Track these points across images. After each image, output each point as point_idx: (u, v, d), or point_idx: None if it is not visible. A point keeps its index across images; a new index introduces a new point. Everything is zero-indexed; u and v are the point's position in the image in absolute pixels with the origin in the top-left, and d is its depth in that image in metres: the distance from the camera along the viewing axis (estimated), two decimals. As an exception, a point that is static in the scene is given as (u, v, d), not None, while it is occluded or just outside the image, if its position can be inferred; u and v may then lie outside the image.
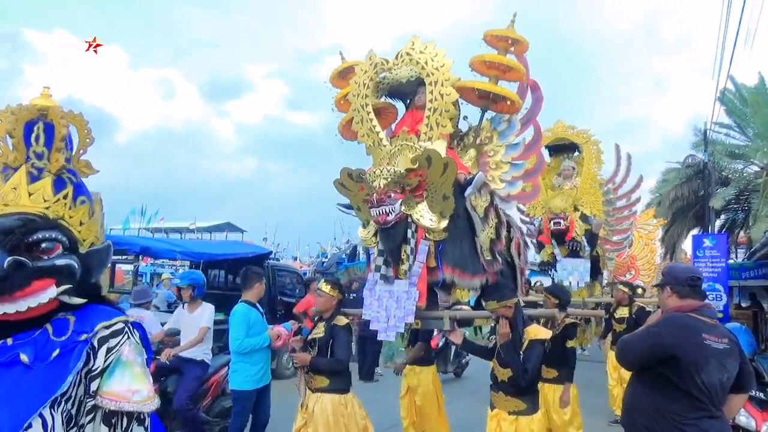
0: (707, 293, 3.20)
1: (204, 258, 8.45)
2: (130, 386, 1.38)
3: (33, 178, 1.44)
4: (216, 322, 7.96)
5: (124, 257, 7.25)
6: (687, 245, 15.87)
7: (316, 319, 4.01)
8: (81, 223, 1.48)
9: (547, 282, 7.98)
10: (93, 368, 1.36)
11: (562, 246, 6.77)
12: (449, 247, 3.53)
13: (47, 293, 1.33)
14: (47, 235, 1.37)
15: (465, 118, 4.19)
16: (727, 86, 14.79)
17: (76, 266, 1.41)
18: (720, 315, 5.71)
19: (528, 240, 5.60)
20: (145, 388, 1.42)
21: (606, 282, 8.71)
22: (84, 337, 1.37)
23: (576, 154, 7.35)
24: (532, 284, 11.26)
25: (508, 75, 3.92)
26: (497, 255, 3.81)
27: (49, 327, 1.37)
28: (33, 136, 1.46)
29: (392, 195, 3.34)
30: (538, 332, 3.37)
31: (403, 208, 3.39)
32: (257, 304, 4.64)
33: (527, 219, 7.36)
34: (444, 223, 3.44)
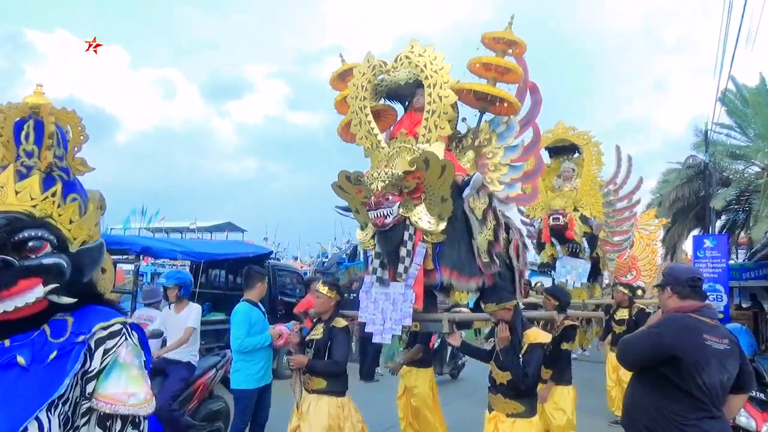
0: (708, 294, 3.19)
1: (205, 258, 8.45)
2: (126, 389, 1.35)
3: (21, 176, 1.41)
4: (217, 322, 8.05)
5: (125, 257, 7.23)
6: (687, 246, 15.84)
7: (315, 320, 4.01)
8: (71, 222, 1.44)
9: (547, 283, 7.97)
10: (89, 370, 1.34)
11: (562, 246, 6.78)
12: (447, 249, 3.54)
13: (34, 293, 1.30)
14: (33, 234, 1.33)
15: (464, 119, 4.20)
16: (728, 87, 14.78)
17: (65, 265, 1.37)
18: (720, 316, 5.71)
19: (528, 242, 5.60)
20: (142, 391, 1.38)
21: (606, 283, 8.70)
22: (81, 338, 1.34)
23: (576, 155, 7.35)
24: (533, 285, 11.25)
25: (507, 77, 3.92)
26: (495, 257, 3.81)
27: (47, 328, 1.35)
28: (23, 134, 1.44)
29: (390, 198, 3.35)
30: (537, 336, 3.36)
31: (401, 210, 3.39)
32: (259, 304, 4.62)
33: (527, 220, 7.37)
34: (442, 226, 3.44)
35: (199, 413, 4.93)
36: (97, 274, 1.66)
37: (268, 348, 4.50)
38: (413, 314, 3.48)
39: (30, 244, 1.33)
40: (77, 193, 1.50)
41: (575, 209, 6.75)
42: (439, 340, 8.05)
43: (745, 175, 15.80)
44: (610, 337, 6.76)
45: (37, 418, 1.22)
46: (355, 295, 7.45)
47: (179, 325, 4.84)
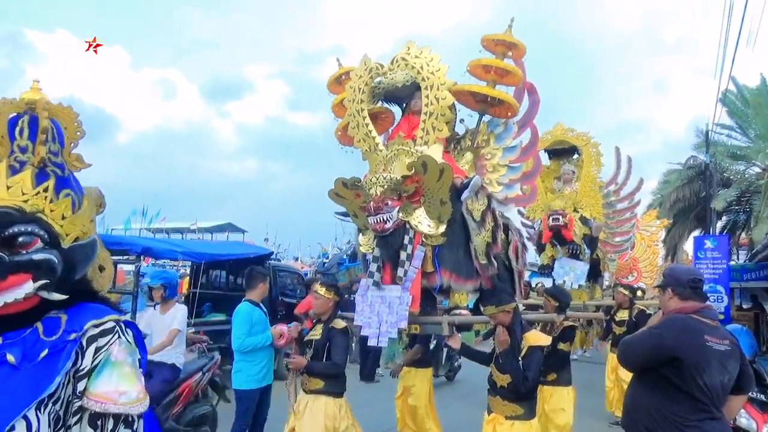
0: (708, 295, 3.18)
1: (205, 258, 8.45)
2: (118, 387, 1.33)
3: (14, 171, 1.39)
4: (217, 323, 8.05)
5: (125, 257, 7.23)
6: (688, 247, 15.85)
7: (314, 321, 4.02)
8: (63, 217, 1.42)
9: (548, 283, 7.96)
10: (80, 368, 1.32)
11: (562, 246, 6.78)
12: (446, 251, 3.54)
13: (23, 288, 1.28)
14: (24, 229, 1.31)
15: (461, 121, 4.20)
16: (729, 87, 14.79)
17: (56, 261, 1.35)
18: (721, 316, 5.69)
19: (527, 243, 5.60)
20: (134, 390, 1.36)
21: (607, 285, 8.69)
22: (73, 336, 1.32)
23: (575, 156, 7.34)
24: (533, 286, 11.24)
25: (506, 79, 3.92)
26: (493, 259, 3.81)
27: (39, 326, 1.33)
28: (17, 129, 1.42)
29: (389, 203, 3.35)
30: (537, 338, 3.34)
31: (400, 215, 3.39)
32: (261, 304, 4.61)
33: (528, 222, 7.37)
34: (442, 228, 3.44)
35: (184, 417, 4.75)
36: (93, 272, 1.64)
37: (269, 348, 4.49)
38: (412, 317, 3.48)
39: (20, 239, 1.31)
40: (71, 189, 1.47)
41: (575, 210, 6.75)
42: (434, 342, 8.05)
43: (746, 175, 15.78)
44: (610, 337, 6.76)
45: (26, 417, 1.20)
46: (355, 296, 7.47)
47: (164, 326, 4.71)
